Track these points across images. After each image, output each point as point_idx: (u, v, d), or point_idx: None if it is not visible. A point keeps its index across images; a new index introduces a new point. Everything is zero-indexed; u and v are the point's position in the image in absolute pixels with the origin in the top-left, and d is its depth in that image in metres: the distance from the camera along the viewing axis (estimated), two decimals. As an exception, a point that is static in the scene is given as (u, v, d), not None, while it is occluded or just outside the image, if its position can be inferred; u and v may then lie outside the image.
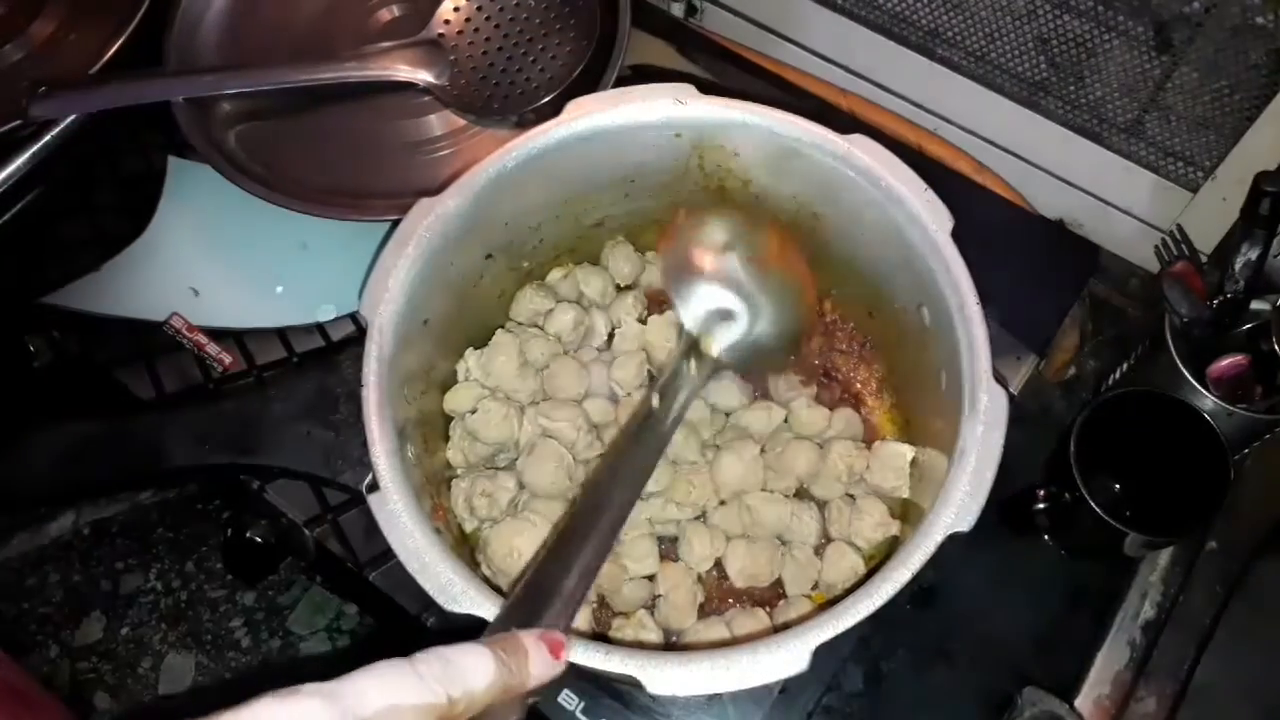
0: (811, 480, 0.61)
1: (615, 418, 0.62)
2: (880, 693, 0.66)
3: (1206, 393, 0.63)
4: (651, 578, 0.59)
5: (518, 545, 0.55)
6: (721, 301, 0.56)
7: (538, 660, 0.38)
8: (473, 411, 0.60)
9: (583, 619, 0.56)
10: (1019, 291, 0.73)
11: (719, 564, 0.60)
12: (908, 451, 0.59)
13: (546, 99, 0.75)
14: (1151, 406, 0.64)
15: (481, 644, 0.35)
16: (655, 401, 0.52)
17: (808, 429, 0.63)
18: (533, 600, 0.43)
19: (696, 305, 0.55)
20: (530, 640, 0.38)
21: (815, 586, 0.59)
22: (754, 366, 0.60)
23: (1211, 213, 0.72)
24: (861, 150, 0.57)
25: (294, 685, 0.30)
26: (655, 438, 0.51)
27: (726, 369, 0.56)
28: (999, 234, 0.76)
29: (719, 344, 0.55)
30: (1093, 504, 0.60)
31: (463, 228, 0.58)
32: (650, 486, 0.58)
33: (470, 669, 0.34)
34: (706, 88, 0.59)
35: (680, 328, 0.56)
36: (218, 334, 0.74)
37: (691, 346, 0.54)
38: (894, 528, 0.59)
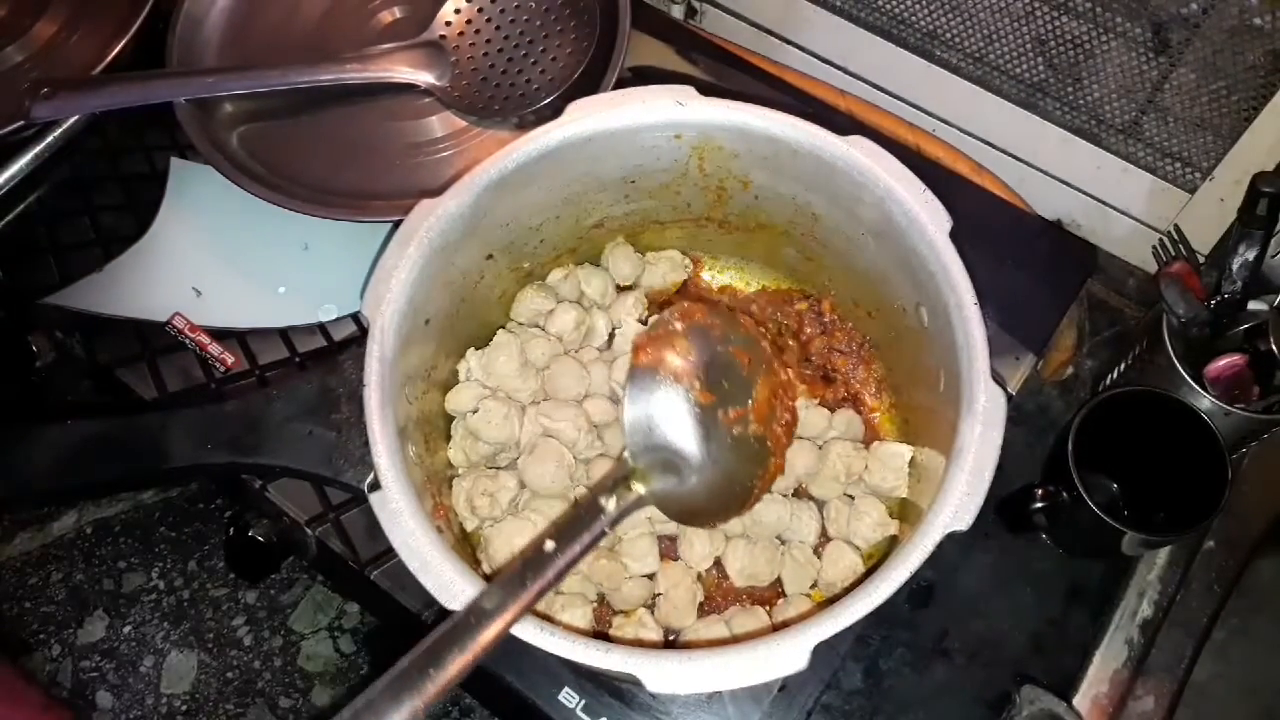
0: (810, 480, 0.62)
1: (616, 417, 0.62)
2: (879, 691, 0.66)
3: (1204, 392, 0.64)
4: (652, 576, 0.59)
5: (518, 544, 0.55)
6: (679, 443, 0.50)
7: None
8: (474, 411, 0.60)
9: (583, 617, 0.56)
10: (1017, 292, 0.73)
11: (719, 563, 0.60)
12: (906, 451, 0.60)
13: (547, 100, 0.75)
14: (1149, 406, 0.64)
15: None
16: (549, 546, 0.46)
17: (808, 430, 0.63)
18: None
19: (648, 437, 0.50)
20: None
21: (814, 585, 0.60)
22: (680, 518, 0.52)
23: (1209, 213, 0.72)
24: (860, 151, 0.57)
25: None
26: (535, 584, 0.44)
27: (646, 507, 0.50)
28: (997, 234, 0.77)
29: (652, 485, 0.49)
30: (1090, 503, 0.60)
31: (464, 228, 0.58)
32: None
33: None
34: (706, 89, 0.59)
35: (620, 454, 0.50)
36: (220, 334, 0.74)
37: (622, 479, 0.49)
38: (893, 527, 0.59)
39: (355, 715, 0.38)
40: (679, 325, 0.53)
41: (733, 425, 0.52)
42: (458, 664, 0.40)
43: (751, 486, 0.53)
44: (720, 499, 0.52)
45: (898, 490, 0.60)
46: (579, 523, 0.48)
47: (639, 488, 0.49)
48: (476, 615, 0.42)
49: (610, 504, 0.48)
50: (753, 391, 0.53)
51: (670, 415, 0.51)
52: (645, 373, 0.51)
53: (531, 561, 0.45)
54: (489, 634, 0.42)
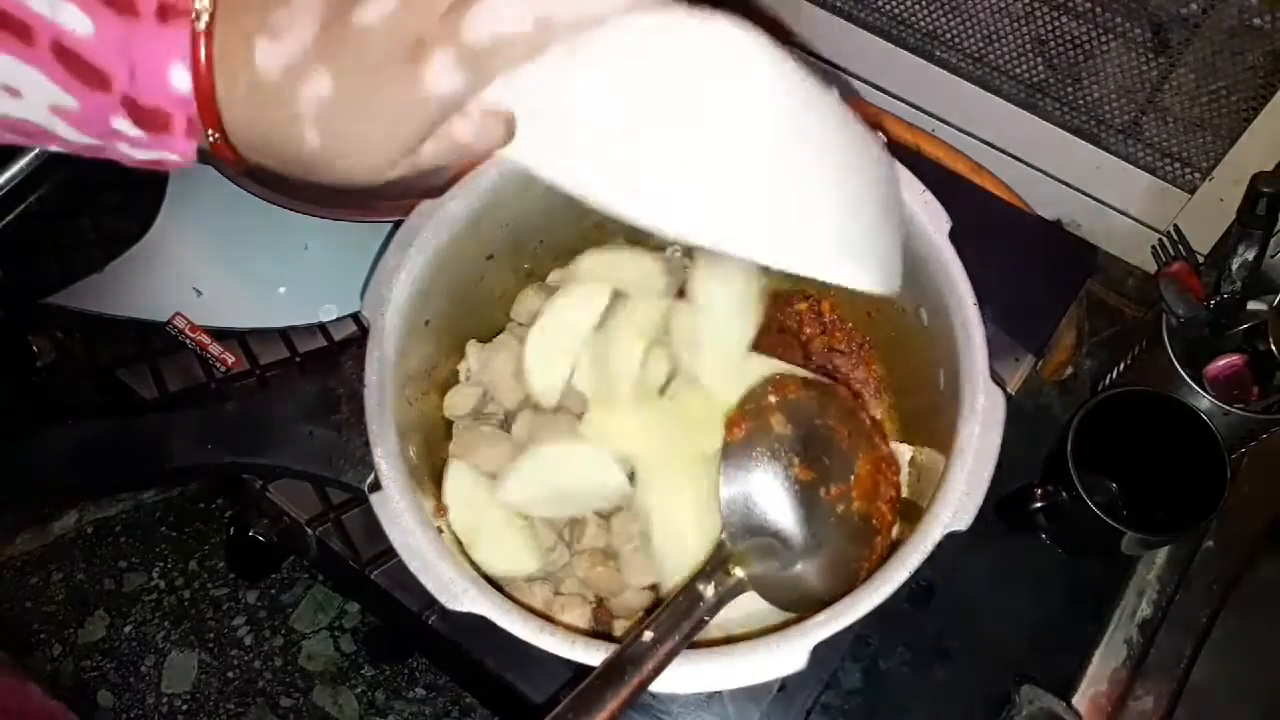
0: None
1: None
2: (878, 690, 0.66)
3: (1203, 392, 0.64)
4: (653, 587, 0.59)
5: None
6: (779, 524, 0.48)
7: None
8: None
9: (582, 617, 0.56)
10: (1016, 292, 0.73)
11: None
12: (906, 451, 0.60)
13: (547, 100, 0.75)
14: (1148, 406, 0.64)
15: None
16: (647, 636, 0.44)
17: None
18: None
19: (746, 518, 0.48)
20: None
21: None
22: (781, 603, 0.49)
23: (1208, 213, 0.73)
24: (860, 152, 0.57)
25: None
26: (634, 680, 0.42)
27: (745, 593, 0.47)
28: (996, 235, 0.76)
29: (752, 569, 0.47)
30: (1090, 503, 0.60)
31: (464, 229, 0.58)
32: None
33: None
34: (706, 90, 0.59)
35: (719, 539, 0.47)
36: (221, 334, 0.74)
37: (720, 564, 0.47)
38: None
39: None
40: (773, 399, 0.50)
41: (836, 503, 0.49)
42: None
43: (858, 568, 0.50)
44: (825, 582, 0.48)
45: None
46: (677, 611, 0.45)
47: (738, 572, 0.47)
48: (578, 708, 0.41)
49: (709, 590, 0.46)
50: (855, 466, 0.51)
51: (769, 494, 0.48)
52: (740, 450, 0.49)
53: (630, 653, 0.43)
54: None
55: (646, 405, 0.58)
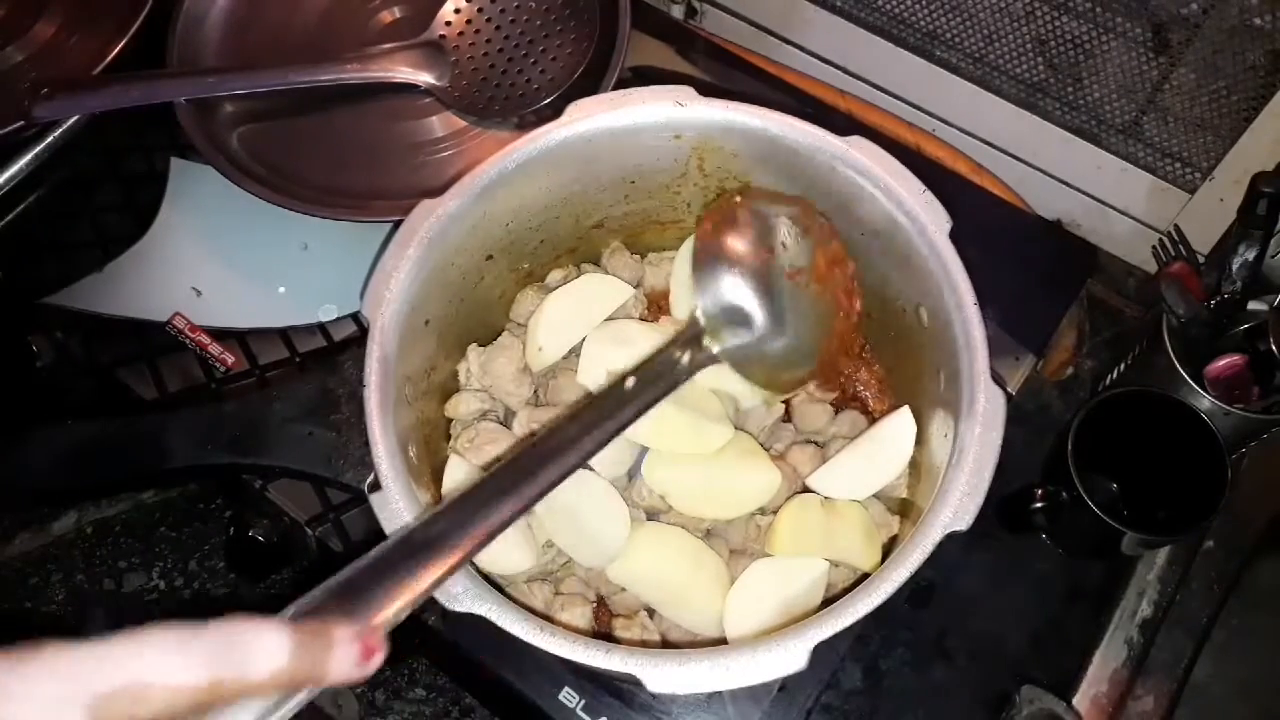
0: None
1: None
2: (879, 690, 0.66)
3: (1204, 392, 0.64)
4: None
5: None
6: (743, 300, 0.51)
7: (342, 659, 0.33)
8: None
9: (582, 617, 0.56)
10: (1017, 292, 0.73)
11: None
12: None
13: (547, 100, 0.75)
14: (1149, 406, 0.64)
15: (283, 627, 0.31)
16: (629, 383, 0.48)
17: (810, 426, 0.63)
18: (411, 552, 0.39)
19: (716, 295, 0.51)
20: (343, 635, 0.33)
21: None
22: (754, 377, 0.54)
23: (1209, 213, 0.73)
24: (860, 151, 0.57)
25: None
26: (614, 420, 0.47)
27: (721, 366, 0.52)
28: (997, 235, 0.76)
29: (724, 343, 0.51)
30: (1090, 503, 0.60)
31: (464, 229, 0.58)
32: (656, 503, 0.59)
33: (256, 654, 0.30)
34: (706, 89, 0.59)
35: (692, 314, 0.51)
36: (220, 334, 0.74)
37: (694, 338, 0.51)
38: (893, 526, 0.59)
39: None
40: (739, 199, 0.55)
41: (794, 282, 0.54)
42: (550, 474, 0.44)
43: (820, 341, 0.55)
44: (792, 353, 0.53)
45: (898, 489, 0.60)
46: (653, 370, 0.49)
47: (711, 344, 0.51)
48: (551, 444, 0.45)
49: (684, 357, 0.50)
50: (812, 253, 0.55)
51: (735, 273, 0.52)
52: (708, 239, 0.53)
53: (614, 392, 0.48)
54: (568, 462, 0.45)
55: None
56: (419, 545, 0.39)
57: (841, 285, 0.56)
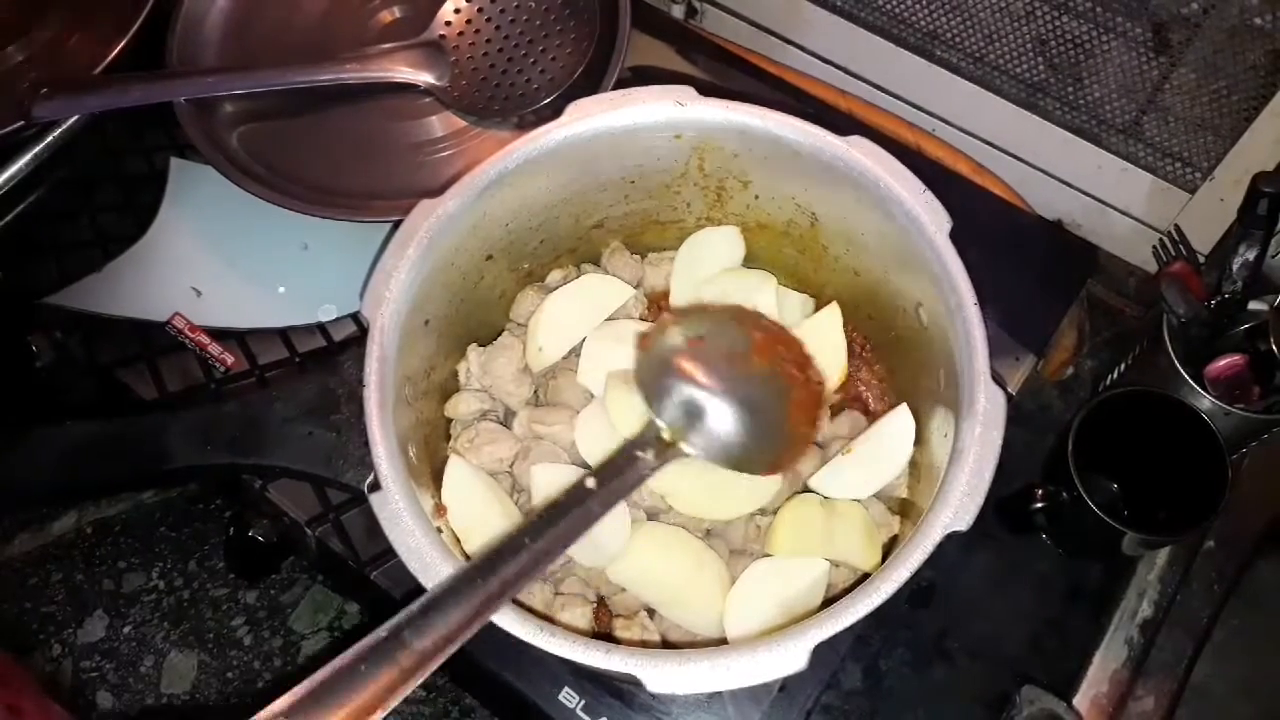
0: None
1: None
2: (879, 691, 0.66)
3: (1204, 392, 0.64)
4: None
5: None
6: (693, 396, 0.51)
7: None
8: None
9: (583, 617, 0.56)
10: (1017, 292, 0.73)
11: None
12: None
13: (547, 100, 0.75)
14: (1149, 406, 0.64)
15: None
16: (590, 483, 0.47)
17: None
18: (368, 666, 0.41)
19: (669, 400, 0.51)
20: None
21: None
22: (723, 463, 0.52)
23: (1209, 213, 0.73)
24: (860, 151, 0.57)
25: None
26: (579, 519, 0.46)
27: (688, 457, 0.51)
28: (997, 235, 0.76)
29: (685, 436, 0.50)
30: (1090, 503, 0.60)
31: (464, 229, 0.58)
32: (656, 503, 0.59)
33: None
34: (706, 89, 0.59)
35: (650, 421, 0.51)
36: (220, 334, 0.74)
37: (654, 436, 0.50)
38: (893, 526, 0.59)
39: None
40: (668, 315, 0.58)
41: (735, 365, 0.53)
42: (509, 572, 0.43)
43: (782, 414, 0.53)
44: (755, 435, 0.52)
45: (898, 490, 0.60)
46: (615, 467, 0.49)
47: (669, 437, 0.50)
48: (505, 550, 0.44)
49: (649, 454, 0.49)
50: (747, 335, 0.55)
51: (676, 366, 0.52)
52: (647, 346, 0.53)
53: (575, 493, 0.47)
54: (520, 563, 0.44)
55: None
56: (381, 656, 0.42)
57: (789, 359, 0.55)
